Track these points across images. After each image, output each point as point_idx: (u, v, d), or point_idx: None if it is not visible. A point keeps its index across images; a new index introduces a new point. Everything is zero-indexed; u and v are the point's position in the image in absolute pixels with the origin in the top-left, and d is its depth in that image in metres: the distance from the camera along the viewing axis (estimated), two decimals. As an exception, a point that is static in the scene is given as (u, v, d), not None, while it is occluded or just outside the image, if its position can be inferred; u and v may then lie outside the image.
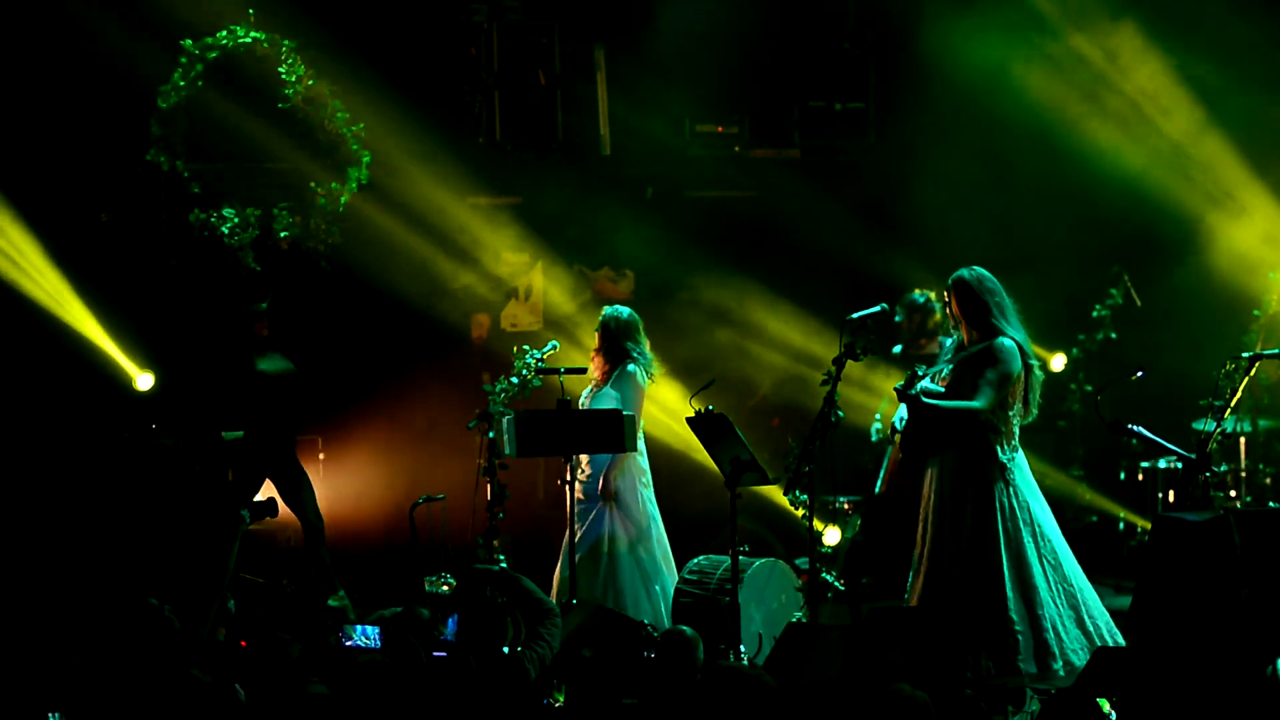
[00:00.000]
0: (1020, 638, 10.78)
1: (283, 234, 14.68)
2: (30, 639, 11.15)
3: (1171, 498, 14.88)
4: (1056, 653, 10.80)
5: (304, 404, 13.90)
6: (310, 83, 14.71)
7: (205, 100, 14.67)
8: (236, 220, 14.63)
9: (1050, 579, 10.93)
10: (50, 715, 8.44)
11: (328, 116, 14.76)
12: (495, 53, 15.96)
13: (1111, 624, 11.05)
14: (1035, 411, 11.07)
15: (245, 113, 14.72)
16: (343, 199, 14.75)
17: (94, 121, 14.72)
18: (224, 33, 14.69)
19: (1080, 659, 10.75)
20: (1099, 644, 10.84)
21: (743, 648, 11.18)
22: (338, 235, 14.81)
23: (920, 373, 10.91)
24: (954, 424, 10.93)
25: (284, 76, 14.73)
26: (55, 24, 14.37)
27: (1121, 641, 10.82)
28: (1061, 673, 10.70)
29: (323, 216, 14.75)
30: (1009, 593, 10.81)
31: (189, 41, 14.63)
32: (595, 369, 12.46)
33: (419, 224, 14.91)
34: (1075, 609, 10.95)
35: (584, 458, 12.33)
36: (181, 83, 14.60)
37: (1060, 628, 10.86)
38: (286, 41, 14.76)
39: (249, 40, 14.74)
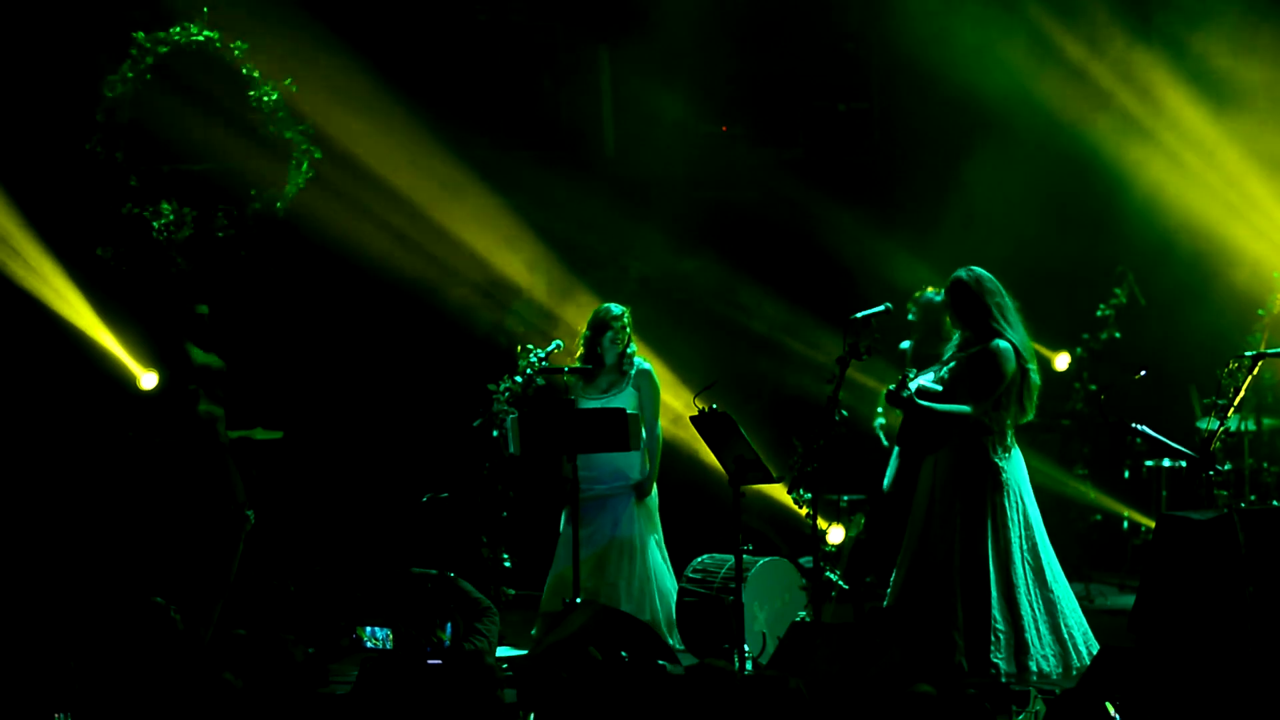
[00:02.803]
0: (1001, 636, 10.81)
1: (219, 234, 14.62)
2: (34, 639, 11.10)
3: (1175, 497, 14.86)
4: (1033, 654, 10.82)
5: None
6: (267, 88, 14.64)
7: (151, 95, 14.57)
8: (171, 218, 14.55)
9: (1031, 583, 10.96)
10: (57, 716, 8.41)
11: (270, 118, 14.69)
12: (499, 52, 15.99)
13: (1089, 634, 11.06)
14: (1031, 412, 11.09)
15: (190, 109, 14.60)
16: (279, 204, 14.63)
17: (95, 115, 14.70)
18: (177, 28, 14.56)
19: (1048, 665, 10.83)
20: (1071, 654, 10.90)
21: (746, 647, 11.16)
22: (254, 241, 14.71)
23: (911, 375, 10.94)
24: (946, 425, 10.99)
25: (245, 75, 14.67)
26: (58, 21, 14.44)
27: (1094, 653, 10.77)
28: (1032, 678, 10.71)
29: (257, 219, 14.68)
30: (993, 591, 10.85)
31: (141, 34, 14.50)
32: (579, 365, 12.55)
33: (422, 224, 14.84)
34: (1052, 615, 10.98)
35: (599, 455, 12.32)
36: (130, 74, 14.46)
37: (1037, 631, 10.88)
38: (239, 43, 14.65)
39: (200, 38, 14.61)
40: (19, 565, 13.42)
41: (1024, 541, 10.98)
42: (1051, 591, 11.00)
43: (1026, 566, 10.95)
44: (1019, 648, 10.81)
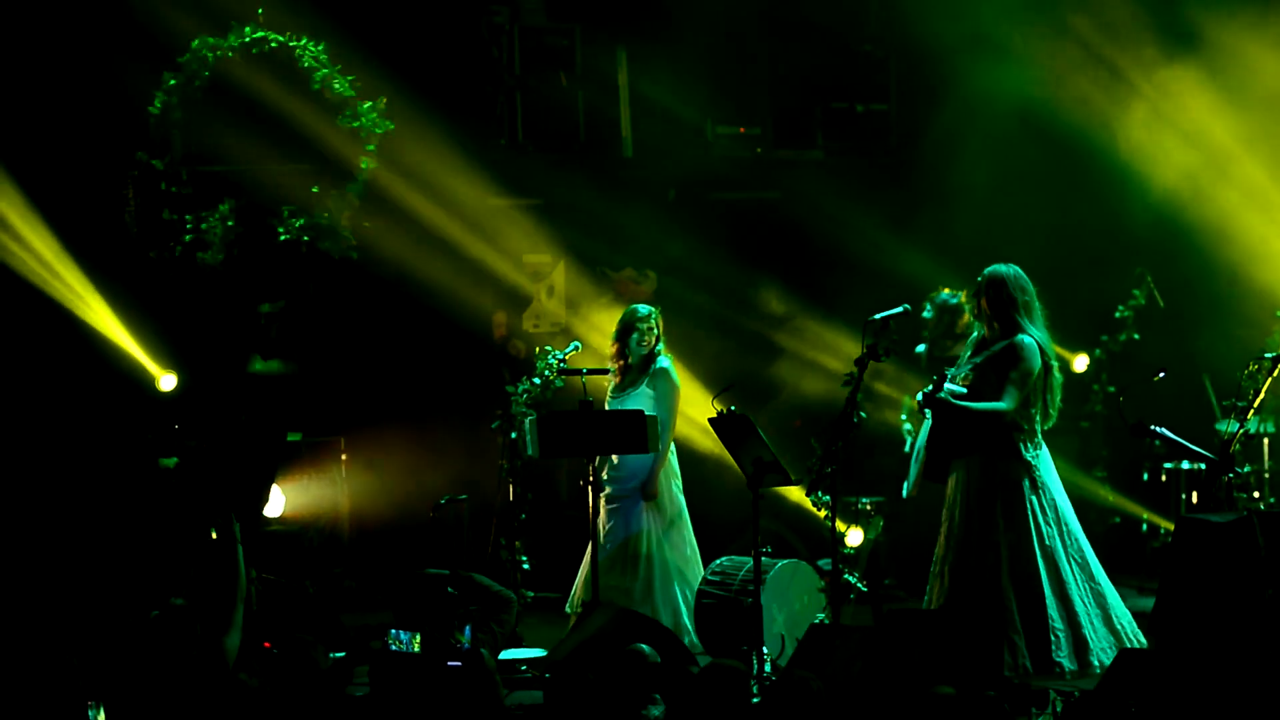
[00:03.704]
0: (1060, 635, 10.83)
1: (304, 238, 14.57)
2: (52, 637, 11.14)
3: (1195, 499, 14.83)
4: (1093, 649, 10.84)
5: (299, 407, 13.84)
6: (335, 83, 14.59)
7: (210, 101, 14.54)
8: (216, 221, 14.49)
9: (1079, 578, 10.99)
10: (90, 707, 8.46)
11: (343, 109, 14.66)
12: (517, 54, 15.99)
13: (1134, 624, 11.09)
14: (1054, 415, 11.10)
15: (252, 112, 14.51)
16: (345, 211, 14.61)
17: (115, 120, 14.68)
18: (232, 35, 14.49)
19: (1108, 658, 10.76)
20: (1126, 644, 10.91)
21: (765, 649, 11.12)
22: (350, 239, 14.65)
23: (950, 373, 10.96)
24: (980, 425, 10.97)
25: (313, 72, 14.58)
26: (77, 22, 14.40)
27: (1144, 642, 10.83)
28: (1097, 671, 10.70)
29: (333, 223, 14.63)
30: (1046, 591, 10.88)
31: (196, 42, 14.44)
32: (616, 368, 12.56)
33: (441, 225, 14.84)
34: (1103, 608, 11.01)
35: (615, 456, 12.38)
36: (178, 80, 14.39)
37: (1092, 626, 10.91)
38: (305, 40, 14.61)
39: (268, 39, 14.52)
40: (36, 564, 13.43)
41: (1066, 537, 11.02)
42: (1098, 583, 11.05)
43: (1073, 562, 10.99)
44: (1078, 645, 10.85)
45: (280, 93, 14.39)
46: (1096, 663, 10.80)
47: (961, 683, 8.98)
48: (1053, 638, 10.82)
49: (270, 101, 14.41)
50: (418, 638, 10.56)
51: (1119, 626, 10.99)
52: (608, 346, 12.71)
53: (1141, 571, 15.13)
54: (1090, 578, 11.02)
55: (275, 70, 14.44)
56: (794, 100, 16.63)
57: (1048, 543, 10.93)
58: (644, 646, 8.92)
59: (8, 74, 14.29)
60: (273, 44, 14.37)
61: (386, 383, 15.32)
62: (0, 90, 14.25)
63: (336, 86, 14.41)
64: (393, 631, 10.78)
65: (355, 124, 14.47)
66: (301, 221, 14.41)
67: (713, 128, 16.54)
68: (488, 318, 16.06)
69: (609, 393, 12.58)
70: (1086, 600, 10.95)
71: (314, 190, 14.40)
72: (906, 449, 14.28)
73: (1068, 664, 10.80)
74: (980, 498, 11.02)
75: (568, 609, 12.45)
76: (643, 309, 12.53)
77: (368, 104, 14.46)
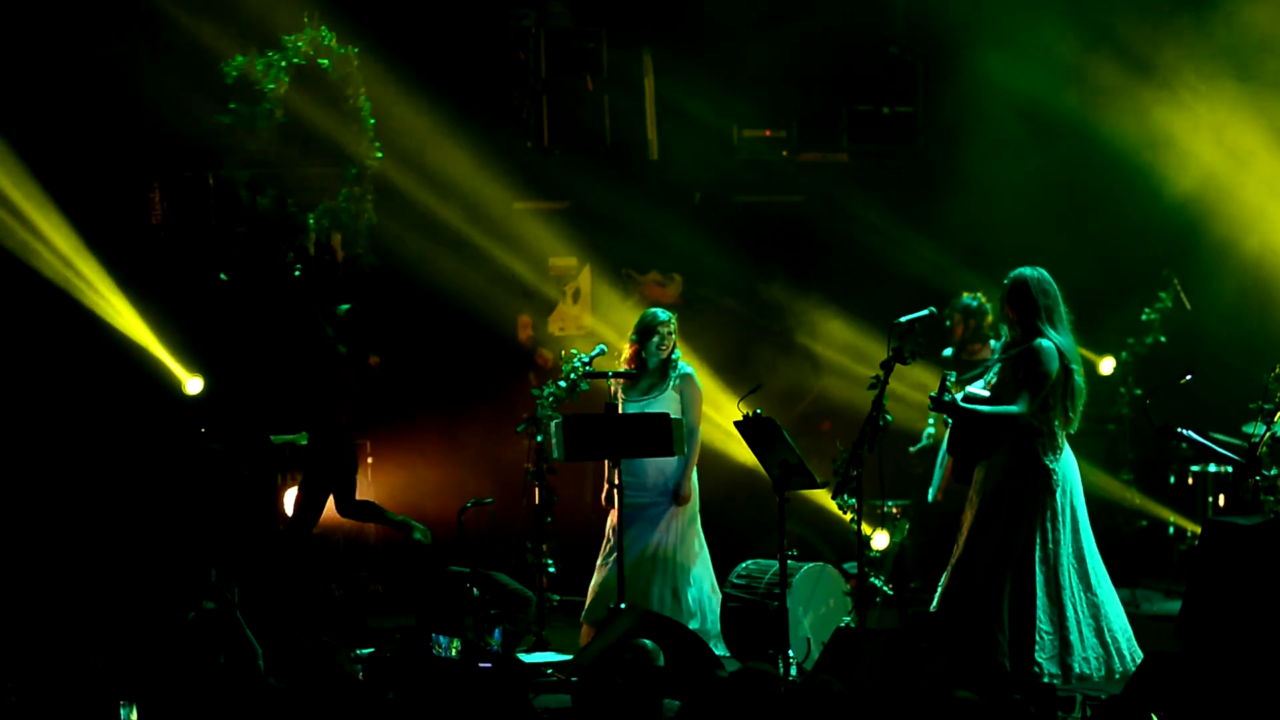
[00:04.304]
0: (1046, 637, 10.76)
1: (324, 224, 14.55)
2: (78, 639, 11.19)
3: (1222, 502, 14.80)
4: (1075, 656, 10.77)
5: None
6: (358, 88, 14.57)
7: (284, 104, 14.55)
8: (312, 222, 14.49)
9: (1075, 586, 10.90)
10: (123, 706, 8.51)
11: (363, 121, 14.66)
12: (543, 57, 15.99)
13: (1133, 640, 11.02)
14: (1076, 419, 11.01)
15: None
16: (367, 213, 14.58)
17: (142, 126, 14.72)
18: (305, 35, 14.46)
19: (1089, 667, 10.78)
20: (1113, 658, 10.86)
21: (791, 652, 11.12)
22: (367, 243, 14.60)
23: (952, 378, 10.89)
24: (996, 428, 10.92)
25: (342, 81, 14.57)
26: (105, 30, 14.46)
27: (1138, 657, 10.76)
28: (1073, 681, 10.70)
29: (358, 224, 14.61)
30: (1039, 593, 10.79)
31: (287, 37, 14.40)
32: (626, 368, 12.56)
33: (467, 228, 14.84)
34: (1096, 619, 10.92)
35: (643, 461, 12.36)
36: (270, 86, 14.35)
37: (1080, 634, 10.83)
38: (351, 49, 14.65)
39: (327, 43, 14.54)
40: (62, 567, 13.52)
41: (1071, 544, 10.94)
42: (1096, 594, 10.93)
43: (1072, 569, 10.87)
44: (1063, 648, 10.75)
45: (305, 99, 14.39)
46: (1077, 669, 10.73)
47: (987, 686, 9.17)
48: (1038, 639, 10.73)
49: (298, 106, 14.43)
50: (457, 642, 10.55)
51: (1109, 639, 10.89)
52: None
53: (1168, 575, 15.13)
54: (1088, 588, 10.93)
55: (306, 81, 14.45)
56: (819, 103, 16.62)
57: (1050, 547, 10.85)
58: (647, 642, 8.91)
59: (36, 82, 14.36)
60: (320, 59, 14.33)
61: (412, 385, 15.34)
62: (28, 96, 14.31)
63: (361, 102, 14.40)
64: (434, 636, 10.79)
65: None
66: (322, 207, 14.34)
67: (738, 130, 16.53)
68: (513, 320, 16.11)
69: (622, 395, 12.56)
70: (1080, 608, 10.86)
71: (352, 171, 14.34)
72: (913, 449, 14.44)
73: (1048, 666, 10.70)
74: (993, 498, 10.97)
75: (583, 619, 12.45)
76: (663, 313, 12.54)
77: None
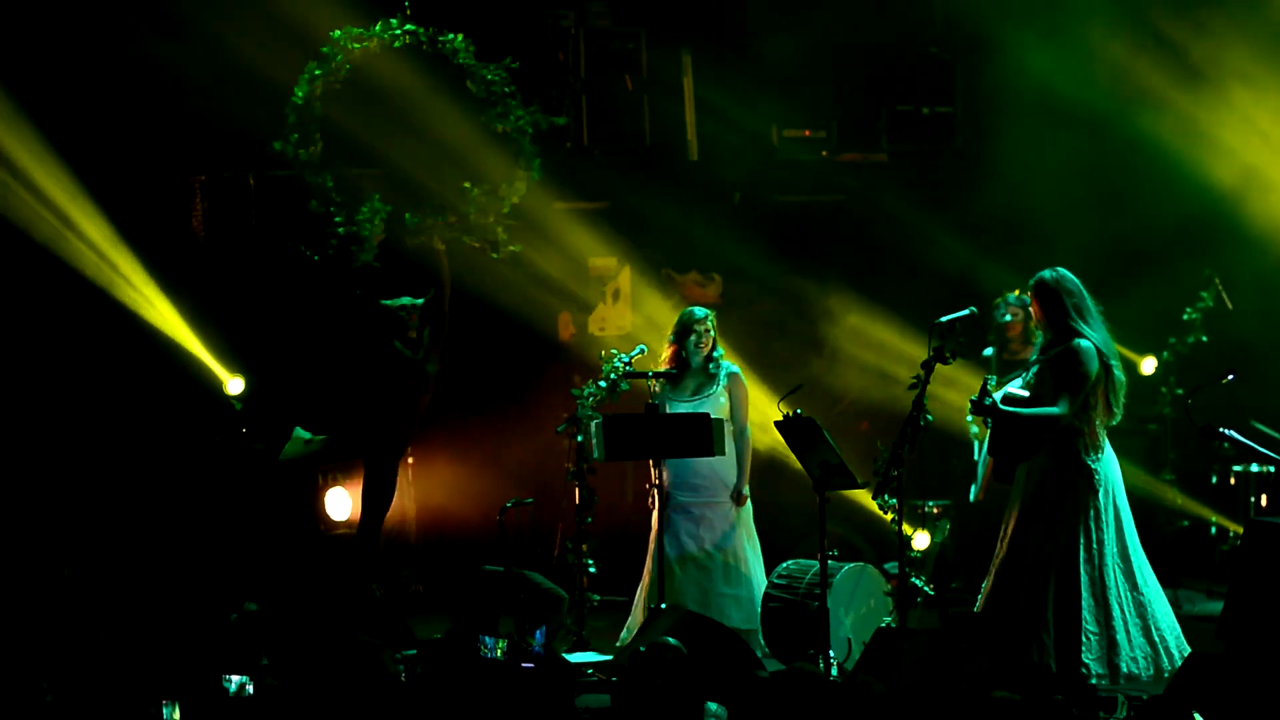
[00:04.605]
0: (1092, 637, 10.76)
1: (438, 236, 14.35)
2: (121, 637, 11.23)
3: (1264, 502, 14.74)
4: (1123, 656, 10.76)
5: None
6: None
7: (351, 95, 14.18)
8: (367, 216, 14.24)
9: (1121, 585, 10.90)
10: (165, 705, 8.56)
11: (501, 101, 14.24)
12: (582, 58, 16.02)
13: (1181, 637, 11.01)
14: (1119, 413, 11.00)
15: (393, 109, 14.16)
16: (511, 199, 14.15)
17: (183, 126, 14.74)
18: (379, 25, 13.89)
19: (1138, 667, 10.77)
20: (1162, 657, 10.84)
21: (832, 653, 11.16)
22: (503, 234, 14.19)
23: (991, 382, 10.89)
24: (1037, 430, 10.90)
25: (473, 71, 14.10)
26: (144, 27, 14.42)
27: (1187, 653, 10.72)
28: (1121, 681, 10.69)
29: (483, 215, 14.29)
30: (1084, 593, 10.80)
31: (337, 32, 13.85)
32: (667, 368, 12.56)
33: (508, 228, 14.73)
34: (1143, 618, 10.92)
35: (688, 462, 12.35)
36: (318, 72, 13.79)
37: (1127, 633, 10.82)
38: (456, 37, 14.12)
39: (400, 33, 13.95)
40: (106, 568, 13.52)
41: (1115, 543, 10.93)
42: (1142, 593, 10.93)
43: (1117, 569, 10.89)
44: (1110, 648, 10.76)
45: (423, 89, 14.10)
46: (1125, 669, 10.74)
47: (1029, 687, 9.15)
48: (1084, 639, 10.74)
49: (413, 98, 14.12)
50: (503, 643, 10.58)
51: (1157, 638, 10.88)
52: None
53: (1210, 575, 15.06)
54: (1134, 587, 10.93)
55: (423, 66, 14.04)
56: (859, 103, 16.61)
57: (1094, 547, 10.84)
58: (670, 640, 8.91)
59: (76, 81, 14.38)
60: (422, 40, 13.87)
61: (452, 384, 15.03)
62: (68, 95, 14.33)
63: (489, 77, 13.98)
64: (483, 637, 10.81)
65: (506, 125, 13.98)
66: (442, 219, 14.15)
67: (778, 131, 16.45)
68: (553, 320, 16.09)
69: (664, 395, 12.56)
70: (1126, 607, 10.86)
71: (466, 186, 14.00)
72: (976, 456, 14.20)
73: (1095, 666, 10.71)
74: (1036, 498, 10.98)
75: (624, 636, 12.51)
76: (699, 311, 12.55)
77: (519, 109, 14.05)
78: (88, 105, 14.41)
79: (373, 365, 13.64)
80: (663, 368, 12.53)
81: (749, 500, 12.50)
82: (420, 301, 13.62)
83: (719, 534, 12.39)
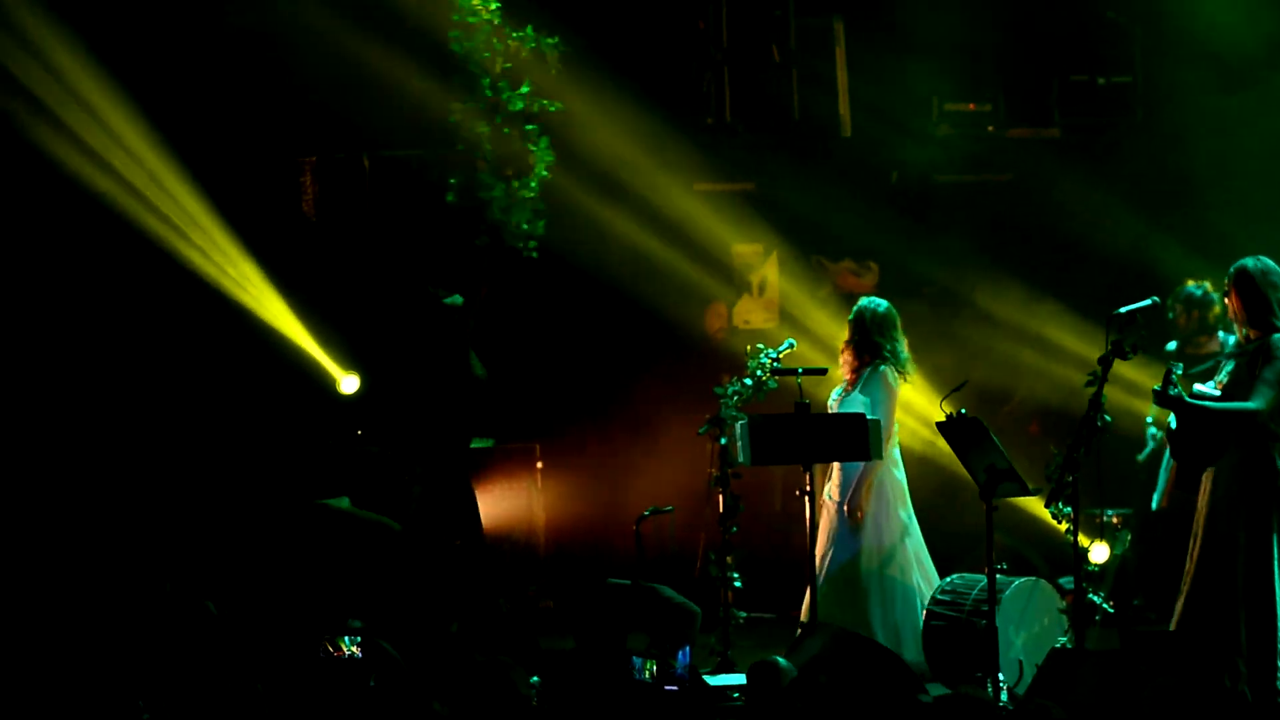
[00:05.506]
0: (1289, 661, 10.46)
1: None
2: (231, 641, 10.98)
3: None
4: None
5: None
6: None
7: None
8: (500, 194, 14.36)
9: (1321, 604, 10.60)
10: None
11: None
12: (725, 27, 15.82)
13: None
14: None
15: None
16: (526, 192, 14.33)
17: (293, 106, 14.65)
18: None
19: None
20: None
21: (1001, 676, 10.74)
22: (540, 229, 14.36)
23: (1178, 371, 10.54)
24: (1227, 428, 10.46)
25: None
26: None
27: None
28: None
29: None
30: (1279, 615, 10.35)
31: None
32: (844, 367, 12.17)
33: (642, 213, 14.77)
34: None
35: (835, 466, 12.05)
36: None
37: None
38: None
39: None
40: (217, 568, 13.41)
41: (1315, 557, 10.62)
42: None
43: (1317, 586, 10.59)
44: (1307, 672, 10.43)
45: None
46: None
47: (1219, 713, 8.80)
48: (1277, 664, 10.35)
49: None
50: (652, 665, 10.25)
51: None
52: (833, 339, 12.62)
53: None
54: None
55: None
56: (1028, 73, 16.27)
57: (1289, 562, 10.56)
58: (780, 660, 8.86)
59: (180, 59, 14.29)
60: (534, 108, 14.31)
61: (584, 384, 15.36)
62: (172, 75, 14.21)
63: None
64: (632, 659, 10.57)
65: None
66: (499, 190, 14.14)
67: (939, 104, 16.20)
68: (693, 312, 15.94)
69: (837, 394, 12.28)
70: (1326, 628, 10.59)
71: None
72: (1140, 456, 13.88)
73: None
74: (1225, 509, 10.51)
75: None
76: (881, 304, 12.16)
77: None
78: (192, 86, 14.36)
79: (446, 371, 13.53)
80: (842, 370, 12.19)
81: (910, 508, 12.07)
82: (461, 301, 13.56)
83: (875, 544, 11.92)
